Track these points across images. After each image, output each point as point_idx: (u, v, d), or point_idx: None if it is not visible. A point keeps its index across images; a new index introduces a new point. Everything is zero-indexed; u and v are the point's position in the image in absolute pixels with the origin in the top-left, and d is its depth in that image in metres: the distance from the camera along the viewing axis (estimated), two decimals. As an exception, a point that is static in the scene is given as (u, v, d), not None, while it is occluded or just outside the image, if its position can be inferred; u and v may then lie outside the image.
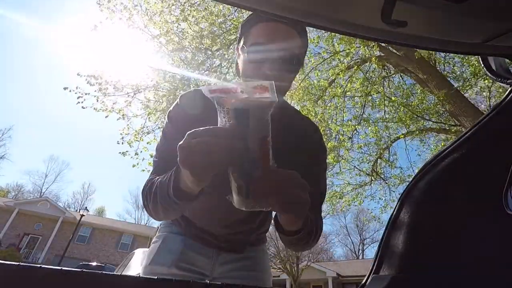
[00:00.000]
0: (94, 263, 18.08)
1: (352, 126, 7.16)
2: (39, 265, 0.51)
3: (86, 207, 19.71)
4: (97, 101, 6.30)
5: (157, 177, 0.75)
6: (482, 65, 0.76)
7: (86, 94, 6.20)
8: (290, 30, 0.78)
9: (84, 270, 0.53)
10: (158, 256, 0.99)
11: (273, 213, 0.91)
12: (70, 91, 6.07)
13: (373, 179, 7.63)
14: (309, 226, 0.72)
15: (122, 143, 6.45)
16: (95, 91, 6.27)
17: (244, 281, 1.02)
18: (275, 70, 0.76)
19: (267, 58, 0.76)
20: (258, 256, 1.12)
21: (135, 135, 6.53)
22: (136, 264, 4.48)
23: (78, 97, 6.11)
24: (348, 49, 6.30)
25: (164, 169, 0.76)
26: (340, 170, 7.59)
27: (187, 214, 1.02)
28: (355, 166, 7.67)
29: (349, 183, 7.79)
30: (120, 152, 6.40)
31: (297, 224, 0.67)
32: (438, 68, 6.34)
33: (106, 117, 6.37)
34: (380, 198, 7.78)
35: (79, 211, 20.60)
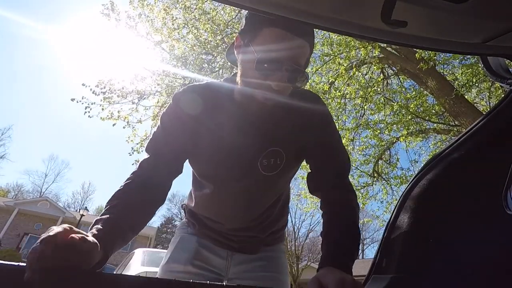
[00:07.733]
0: (94, 263, 18.00)
1: (353, 129, 7.15)
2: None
3: (86, 207, 19.72)
4: (102, 110, 6.41)
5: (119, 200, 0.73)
6: (482, 65, 0.76)
7: (92, 103, 6.33)
8: (303, 43, 0.74)
9: (84, 270, 0.53)
10: (175, 254, 1.02)
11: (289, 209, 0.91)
12: (77, 102, 6.21)
13: (375, 180, 7.60)
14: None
15: (131, 154, 6.56)
16: (101, 100, 6.39)
17: (260, 281, 1.00)
18: (282, 85, 0.73)
19: (276, 70, 0.72)
20: (274, 256, 1.09)
21: (141, 142, 6.58)
22: (136, 264, 4.46)
23: (85, 107, 6.26)
24: (347, 51, 6.28)
25: (140, 178, 0.79)
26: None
27: (200, 213, 1.03)
28: (356, 167, 7.64)
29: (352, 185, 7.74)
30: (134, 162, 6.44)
31: None
32: (437, 69, 6.32)
33: (113, 125, 6.45)
34: (381, 201, 7.71)
35: (79, 211, 20.58)
